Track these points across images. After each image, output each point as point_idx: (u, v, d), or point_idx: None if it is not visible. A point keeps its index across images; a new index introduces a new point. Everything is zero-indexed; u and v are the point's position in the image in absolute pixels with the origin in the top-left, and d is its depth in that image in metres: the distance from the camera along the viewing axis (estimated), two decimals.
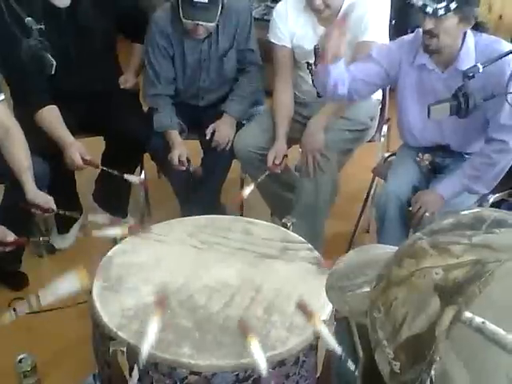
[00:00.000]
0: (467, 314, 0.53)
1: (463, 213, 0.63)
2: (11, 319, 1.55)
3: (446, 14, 1.86)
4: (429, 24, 1.91)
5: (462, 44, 2.00)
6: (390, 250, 0.70)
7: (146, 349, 1.32)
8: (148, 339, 1.34)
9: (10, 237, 1.84)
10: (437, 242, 0.60)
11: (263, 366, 1.31)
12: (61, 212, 2.11)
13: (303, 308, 1.44)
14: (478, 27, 2.01)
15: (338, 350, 1.31)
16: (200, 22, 2.35)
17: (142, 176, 2.75)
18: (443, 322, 0.54)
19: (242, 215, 2.70)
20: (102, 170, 2.49)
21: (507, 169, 2.11)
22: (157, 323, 1.38)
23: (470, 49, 2.00)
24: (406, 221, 2.28)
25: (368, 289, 0.66)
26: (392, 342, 0.58)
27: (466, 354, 0.53)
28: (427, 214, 2.12)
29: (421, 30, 2.06)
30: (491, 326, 0.52)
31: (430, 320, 0.55)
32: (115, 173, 2.39)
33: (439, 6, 1.85)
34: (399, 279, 0.60)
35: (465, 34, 1.99)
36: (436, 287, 0.56)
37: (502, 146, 2.05)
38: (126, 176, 2.40)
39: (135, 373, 1.34)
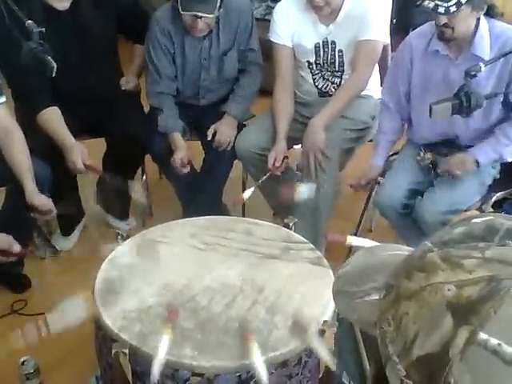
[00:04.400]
0: (482, 336, 0.51)
1: (474, 221, 0.60)
2: (17, 344, 1.57)
3: (457, 9, 1.86)
4: (443, 20, 1.93)
5: (476, 30, 2.00)
6: (399, 252, 0.67)
7: (157, 366, 1.31)
8: (159, 356, 1.33)
9: (16, 247, 1.84)
10: (448, 255, 0.57)
11: (263, 374, 1.31)
12: (61, 213, 2.11)
13: (298, 326, 1.44)
14: (489, 12, 2.00)
15: (332, 365, 1.30)
16: (199, 14, 2.33)
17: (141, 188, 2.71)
18: (457, 344, 0.52)
19: (243, 216, 2.70)
20: (104, 174, 2.48)
21: None
22: (168, 339, 1.37)
23: (485, 34, 2.01)
24: (408, 219, 2.27)
25: (377, 297, 0.63)
26: (403, 359, 0.56)
27: (482, 377, 0.51)
28: (458, 172, 2.11)
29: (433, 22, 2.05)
30: (508, 349, 0.50)
31: (443, 340, 0.53)
32: (117, 181, 2.39)
33: (450, 3, 1.85)
34: (409, 293, 0.57)
35: (478, 19, 1.99)
36: (448, 305, 0.53)
37: None
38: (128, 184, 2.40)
39: None
